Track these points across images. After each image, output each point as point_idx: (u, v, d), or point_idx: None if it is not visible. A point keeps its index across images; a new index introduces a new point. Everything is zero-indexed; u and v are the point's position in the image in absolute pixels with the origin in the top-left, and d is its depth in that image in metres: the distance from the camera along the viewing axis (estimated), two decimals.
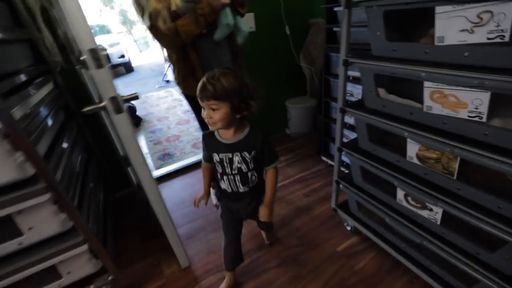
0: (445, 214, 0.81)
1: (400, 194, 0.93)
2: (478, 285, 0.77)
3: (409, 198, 0.90)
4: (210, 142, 0.85)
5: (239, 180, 0.85)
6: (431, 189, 0.80)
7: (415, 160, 0.85)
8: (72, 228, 0.96)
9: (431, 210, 0.84)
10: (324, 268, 1.13)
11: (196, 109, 1.31)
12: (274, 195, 0.89)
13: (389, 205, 0.99)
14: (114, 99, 0.82)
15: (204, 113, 0.76)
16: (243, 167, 0.83)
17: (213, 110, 0.73)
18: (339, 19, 1.39)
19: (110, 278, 1.06)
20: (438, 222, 0.84)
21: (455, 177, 0.75)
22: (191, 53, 1.13)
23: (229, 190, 0.89)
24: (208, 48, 1.15)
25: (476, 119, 0.66)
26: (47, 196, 0.82)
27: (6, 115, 0.70)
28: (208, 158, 0.90)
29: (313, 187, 1.62)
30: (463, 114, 0.69)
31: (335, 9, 1.37)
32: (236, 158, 0.82)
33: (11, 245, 0.86)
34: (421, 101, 0.78)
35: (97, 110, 0.85)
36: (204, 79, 0.73)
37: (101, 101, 0.82)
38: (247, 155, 0.81)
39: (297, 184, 1.66)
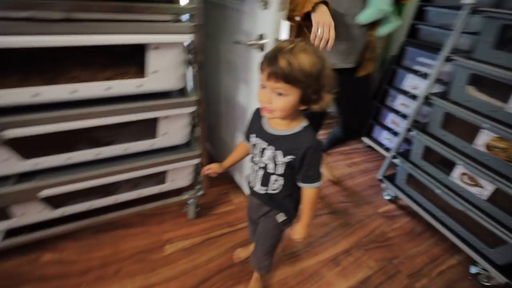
0: (494, 192, 1.05)
1: (456, 172, 1.16)
2: (503, 246, 1.04)
3: (464, 177, 1.14)
4: (256, 120, 0.73)
5: (260, 176, 0.73)
6: (489, 171, 1.04)
7: (481, 148, 1.07)
8: (188, 143, 1.12)
9: (482, 187, 1.08)
10: (368, 221, 1.39)
11: None
12: (312, 216, 0.74)
13: (441, 180, 1.23)
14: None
15: (260, 93, 0.60)
16: (270, 166, 0.69)
17: (278, 94, 0.57)
18: (428, 18, 1.54)
19: (200, 193, 1.24)
20: (484, 198, 1.09)
21: None
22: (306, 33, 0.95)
23: (250, 179, 0.78)
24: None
25: None
26: (191, 109, 0.96)
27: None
28: (247, 136, 0.76)
29: (354, 160, 1.86)
30: None
31: (426, 8, 1.51)
32: (268, 153, 0.67)
33: (144, 145, 1.01)
34: (505, 101, 0.98)
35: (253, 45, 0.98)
36: (277, 49, 0.56)
37: (261, 39, 0.95)
38: (280, 156, 0.66)
39: (340, 155, 1.89)
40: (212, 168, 0.85)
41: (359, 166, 1.80)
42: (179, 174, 1.16)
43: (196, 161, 1.11)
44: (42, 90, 0.75)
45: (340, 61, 1.09)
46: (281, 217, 0.79)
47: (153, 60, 0.83)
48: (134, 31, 0.75)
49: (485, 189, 1.08)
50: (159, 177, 1.17)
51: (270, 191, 0.74)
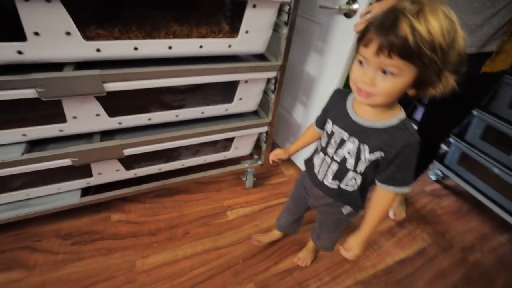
0: None
1: None
2: None
3: None
4: (335, 104, 0.61)
5: (333, 170, 0.62)
6: None
7: None
8: (255, 112, 1.12)
9: None
10: (417, 198, 1.41)
11: None
12: (376, 228, 0.61)
13: (501, 160, 1.24)
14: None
15: (357, 71, 0.47)
16: (350, 161, 0.58)
17: (385, 73, 0.43)
18: None
19: (259, 163, 1.25)
20: None
21: None
22: None
23: (316, 170, 0.68)
24: None
25: None
26: (273, 74, 0.94)
27: None
28: (321, 122, 0.67)
29: None
30: None
31: None
32: (350, 146, 0.56)
33: (220, 109, 1.00)
34: None
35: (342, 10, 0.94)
36: (395, 11, 0.40)
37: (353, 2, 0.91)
38: (367, 152, 0.54)
39: None
40: (278, 155, 0.79)
41: None
42: (244, 142, 1.16)
43: (265, 129, 1.11)
44: (142, 43, 0.73)
45: None
46: (347, 209, 0.71)
47: (248, 17, 0.80)
48: None
49: None
50: (226, 144, 1.17)
51: (343, 187, 0.63)
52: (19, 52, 0.63)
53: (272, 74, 0.94)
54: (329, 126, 0.61)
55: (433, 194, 1.46)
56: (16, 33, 0.65)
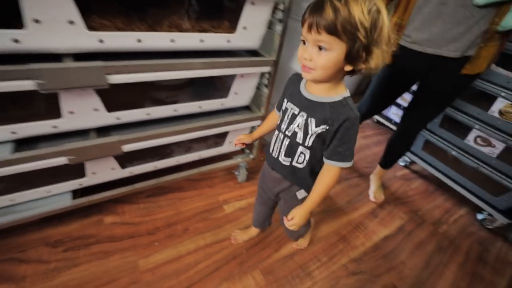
0: (504, 150, 1.28)
1: (471, 136, 1.38)
2: (508, 193, 1.29)
3: (478, 139, 1.36)
4: (291, 85, 0.66)
5: (285, 146, 0.66)
6: (502, 133, 1.26)
7: (495, 114, 1.29)
8: (247, 106, 1.16)
9: (494, 146, 1.31)
10: (390, 183, 1.57)
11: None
12: (319, 202, 0.65)
13: (457, 144, 1.44)
14: None
15: (300, 50, 0.53)
16: (299, 135, 0.62)
17: (320, 49, 0.50)
18: None
19: (251, 157, 1.29)
20: (495, 156, 1.32)
21: None
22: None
23: (271, 149, 0.72)
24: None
25: None
26: (267, 69, 1.00)
27: None
28: (280, 104, 0.70)
29: (366, 133, 2.03)
30: None
31: None
32: (300, 120, 0.61)
33: (216, 103, 1.03)
34: None
35: None
36: None
37: None
38: (313, 125, 0.59)
39: None
40: (241, 139, 0.82)
41: (372, 138, 1.98)
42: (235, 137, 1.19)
43: (258, 123, 1.15)
44: (145, 35, 0.73)
45: (432, 45, 0.93)
46: (301, 194, 0.74)
47: (246, 14, 0.84)
48: None
49: (497, 148, 1.30)
50: (217, 140, 1.19)
51: (295, 164, 0.67)
52: (15, 41, 0.60)
53: (267, 69, 1.00)
54: (284, 103, 0.66)
55: (403, 178, 1.64)
56: (10, 20, 0.62)
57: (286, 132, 0.65)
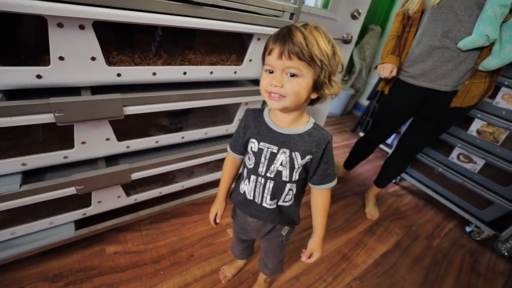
0: (484, 166, 1.39)
1: (454, 154, 1.49)
2: (492, 206, 1.39)
3: (461, 156, 1.47)
4: (253, 123, 0.61)
5: (270, 189, 0.62)
6: (480, 150, 1.38)
7: (474, 133, 1.41)
8: None
9: (475, 163, 1.42)
10: (384, 200, 1.64)
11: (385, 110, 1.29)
12: (326, 223, 0.67)
13: (442, 161, 1.55)
14: None
15: (266, 79, 0.52)
16: (285, 173, 0.59)
17: (290, 76, 0.50)
18: None
19: None
20: (476, 171, 1.43)
21: (499, 144, 1.34)
22: (409, 34, 1.07)
23: (250, 196, 0.65)
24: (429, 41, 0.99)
25: None
26: None
27: None
28: (240, 146, 0.65)
29: None
30: None
31: None
32: (282, 157, 0.58)
33: (221, 129, 1.07)
34: (493, 97, 1.33)
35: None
36: (286, 26, 0.51)
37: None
38: (299, 158, 0.58)
39: (345, 148, 2.14)
40: (219, 211, 0.74)
41: None
42: None
43: None
44: (160, 69, 0.77)
45: (425, 80, 1.06)
46: (286, 231, 0.72)
47: (253, 48, 0.91)
48: (249, 22, 0.83)
49: (478, 164, 1.42)
50: (220, 163, 1.21)
51: (281, 203, 0.64)
52: (38, 77, 0.62)
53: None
54: (254, 144, 0.60)
55: (395, 195, 1.72)
56: (35, 57, 0.64)
57: (268, 174, 0.60)
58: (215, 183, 1.22)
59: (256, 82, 1.08)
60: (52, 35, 0.59)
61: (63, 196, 0.78)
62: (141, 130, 0.96)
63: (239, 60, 0.93)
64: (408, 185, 1.83)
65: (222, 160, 1.20)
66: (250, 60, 0.94)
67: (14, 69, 0.59)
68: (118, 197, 0.94)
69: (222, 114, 1.14)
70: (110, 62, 0.70)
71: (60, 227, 0.88)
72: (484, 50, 0.94)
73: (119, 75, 0.72)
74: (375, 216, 1.47)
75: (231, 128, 1.08)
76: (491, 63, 0.92)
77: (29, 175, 0.76)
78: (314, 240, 0.67)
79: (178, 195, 1.15)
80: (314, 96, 0.55)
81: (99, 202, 0.90)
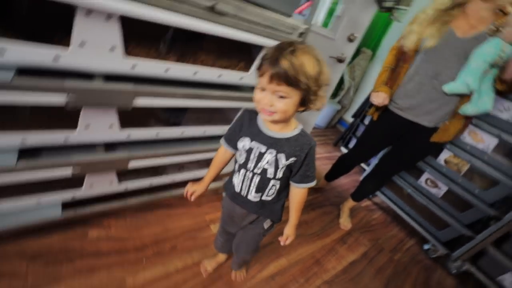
0: (447, 192, 1.56)
1: (423, 178, 1.65)
2: (448, 228, 1.55)
3: (428, 181, 1.63)
4: (248, 122, 0.69)
5: (256, 183, 0.70)
6: (445, 178, 1.54)
7: (442, 162, 1.57)
8: None
9: (439, 188, 1.59)
10: (356, 213, 1.77)
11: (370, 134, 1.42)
12: (300, 215, 0.77)
13: (412, 183, 1.71)
14: None
15: (258, 96, 0.59)
16: (270, 171, 0.68)
17: (279, 97, 0.57)
18: None
19: None
20: (440, 196, 1.59)
21: (461, 174, 1.51)
22: (401, 69, 1.17)
23: (238, 188, 0.74)
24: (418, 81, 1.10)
25: (483, 149, 1.42)
26: None
27: None
28: (234, 141, 0.72)
29: None
30: (480, 146, 1.44)
31: None
32: (268, 157, 0.66)
33: (220, 129, 1.11)
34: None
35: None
36: (278, 50, 0.55)
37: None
38: (283, 159, 0.66)
39: (326, 160, 2.26)
40: (196, 191, 0.79)
41: None
42: None
43: None
44: (173, 66, 0.80)
45: (411, 114, 1.18)
46: (267, 224, 0.80)
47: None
48: (265, 35, 0.89)
49: (441, 189, 1.58)
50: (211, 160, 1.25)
51: (264, 198, 0.73)
52: (55, 58, 0.63)
53: None
54: (247, 142, 0.68)
55: (367, 209, 1.85)
56: (57, 40, 0.65)
57: (255, 170, 0.69)
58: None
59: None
60: (78, 21, 0.60)
61: (57, 178, 0.79)
62: (141, 121, 0.97)
63: (246, 68, 0.98)
64: (379, 202, 1.98)
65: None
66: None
67: (34, 47, 0.59)
68: (111, 183, 0.95)
69: (220, 114, 1.18)
70: (127, 53, 0.72)
71: (46, 206, 0.88)
72: (465, 97, 1.05)
73: (133, 67, 0.74)
74: (348, 227, 1.59)
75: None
76: (469, 109, 1.04)
77: (23, 153, 0.75)
78: (289, 227, 0.78)
79: (166, 187, 1.17)
80: (301, 109, 0.63)
81: (90, 185, 0.91)
